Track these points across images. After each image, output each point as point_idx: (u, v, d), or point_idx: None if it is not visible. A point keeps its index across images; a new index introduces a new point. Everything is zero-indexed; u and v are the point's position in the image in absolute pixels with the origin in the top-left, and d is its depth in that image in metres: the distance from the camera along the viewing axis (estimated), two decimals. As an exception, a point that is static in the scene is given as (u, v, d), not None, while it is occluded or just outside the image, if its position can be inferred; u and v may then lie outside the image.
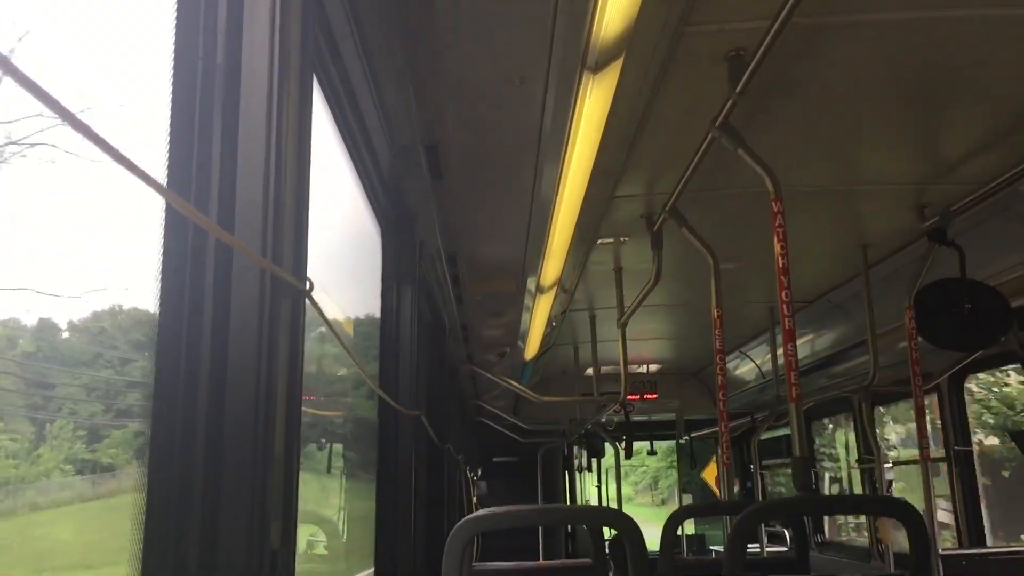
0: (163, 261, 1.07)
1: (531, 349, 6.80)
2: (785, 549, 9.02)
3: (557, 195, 3.77)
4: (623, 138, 3.57)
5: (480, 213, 3.94)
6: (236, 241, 1.06)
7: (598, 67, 2.72)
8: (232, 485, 1.14)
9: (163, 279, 1.07)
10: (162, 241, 1.06)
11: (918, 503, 2.88)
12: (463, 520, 2.53)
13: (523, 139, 3.25)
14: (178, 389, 1.10)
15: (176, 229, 1.07)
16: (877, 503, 3.87)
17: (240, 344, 1.15)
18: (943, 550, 4.15)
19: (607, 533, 5.19)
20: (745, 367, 8.86)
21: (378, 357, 3.07)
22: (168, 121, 1.09)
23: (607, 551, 4.63)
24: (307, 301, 1.36)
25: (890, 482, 5.97)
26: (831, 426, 9.97)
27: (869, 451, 6.30)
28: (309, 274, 1.38)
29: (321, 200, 1.65)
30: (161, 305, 1.07)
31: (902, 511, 2.66)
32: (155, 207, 1.05)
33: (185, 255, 1.08)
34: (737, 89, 3.03)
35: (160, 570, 1.03)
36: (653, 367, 10.15)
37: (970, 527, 5.70)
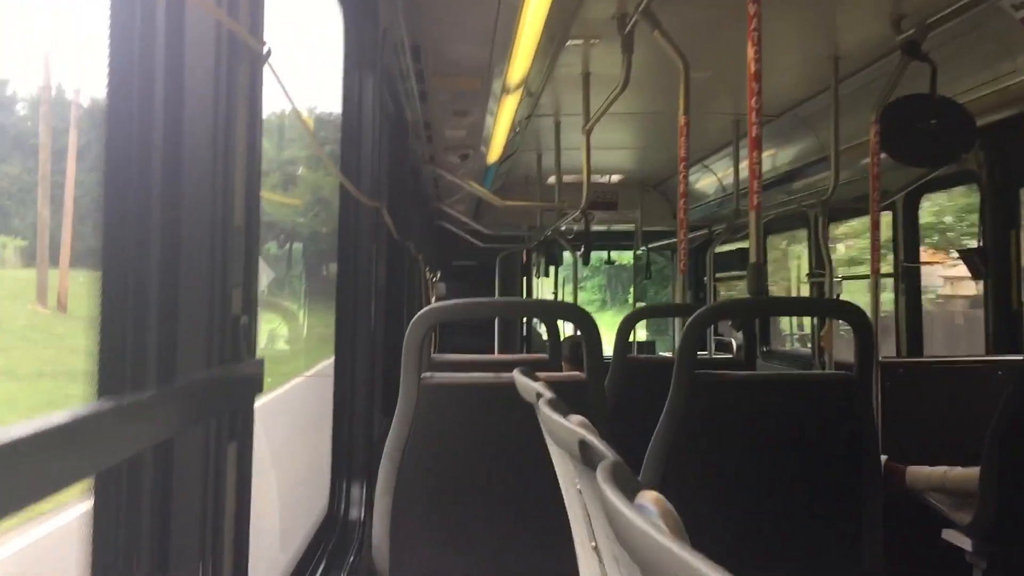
0: (112, 12, 1.00)
1: (494, 152, 6.73)
2: (731, 357, 9.40)
3: (527, -13, 3.61)
4: (599, -72, 3.40)
5: (446, 2, 3.78)
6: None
7: None
8: (190, 252, 1.12)
9: (112, 37, 1.01)
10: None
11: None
12: (423, 310, 2.57)
13: (494, -77, 3.08)
14: (132, 157, 1.06)
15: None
16: (827, 305, 4.00)
17: (196, 109, 1.11)
18: (882, 357, 4.34)
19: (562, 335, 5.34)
20: (705, 180, 8.90)
21: (339, 146, 3.02)
22: None
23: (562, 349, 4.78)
24: (265, 68, 1.31)
25: (838, 295, 6.16)
26: (785, 243, 10.16)
27: (821, 265, 6.45)
28: (267, 42, 1.32)
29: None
30: (110, 66, 1.01)
31: (850, 313, 2.75)
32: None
33: (134, 7, 1.01)
34: None
35: (119, 337, 1.03)
36: (615, 177, 10.15)
37: (911, 338, 5.96)
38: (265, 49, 1.28)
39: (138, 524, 1.02)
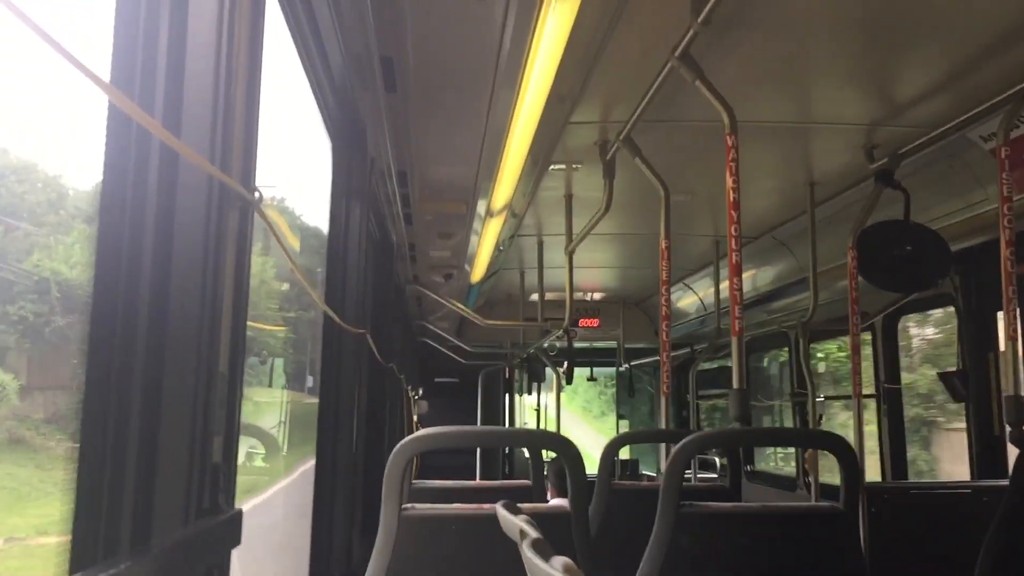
0: (105, 166, 1.01)
1: (478, 272, 6.79)
2: (716, 477, 9.29)
3: (512, 117, 3.71)
4: (582, 63, 3.52)
5: (433, 131, 3.87)
6: (182, 145, 1.01)
7: (561, -14, 2.66)
8: (173, 401, 1.11)
9: (104, 185, 1.02)
10: (104, 144, 1.00)
11: (846, 437, 2.97)
12: (405, 439, 2.53)
13: (480, 58, 3.18)
14: (118, 300, 1.05)
15: (119, 130, 1.01)
16: (812, 437, 3.98)
17: (184, 255, 1.11)
18: (867, 483, 4.30)
19: (546, 456, 5.28)
20: (687, 299, 8.98)
21: (324, 274, 3.03)
22: (113, 16, 1.02)
23: (545, 473, 4.71)
24: (255, 214, 1.32)
25: (820, 416, 6.15)
26: (766, 361, 10.20)
27: (803, 385, 6.46)
28: (258, 186, 1.34)
29: (272, 109, 1.59)
30: (101, 212, 1.02)
31: (836, 445, 2.73)
32: (98, 107, 0.99)
33: (128, 159, 1.02)
34: (699, 18, 2.99)
35: (96, 487, 1.00)
36: (597, 295, 10.23)
37: (895, 461, 5.92)
38: (256, 195, 1.30)
39: None
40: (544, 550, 1.55)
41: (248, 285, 1.30)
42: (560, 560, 1.45)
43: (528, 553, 1.54)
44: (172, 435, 1.10)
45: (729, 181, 3.32)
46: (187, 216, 1.10)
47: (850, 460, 2.69)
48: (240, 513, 1.26)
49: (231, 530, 1.23)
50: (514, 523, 1.84)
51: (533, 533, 1.68)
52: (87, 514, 0.98)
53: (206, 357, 1.16)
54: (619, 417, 12.80)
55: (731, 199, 3.31)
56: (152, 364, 1.06)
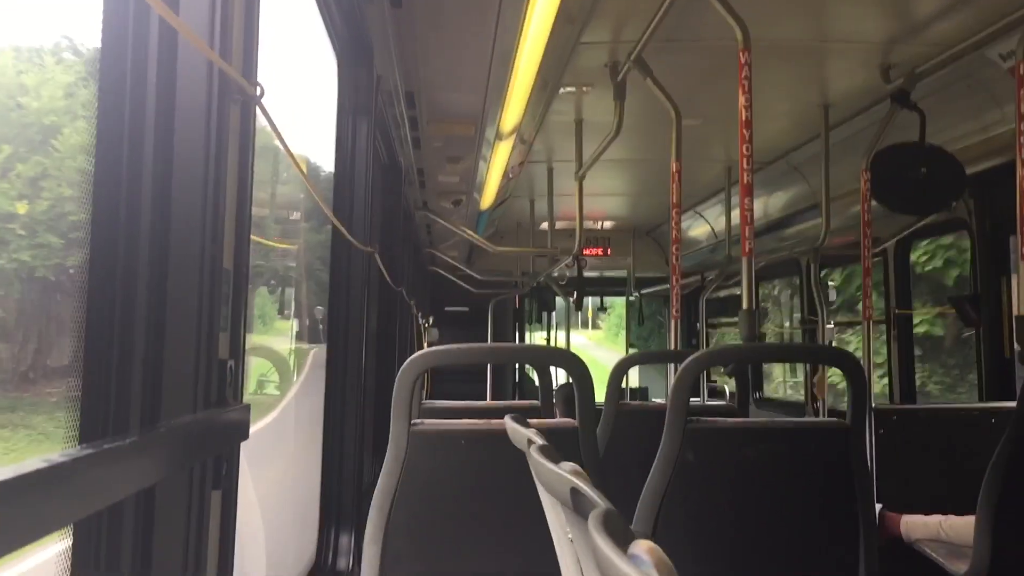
0: (102, 45, 0.99)
1: (487, 199, 6.75)
2: (724, 404, 9.36)
3: (520, 37, 3.65)
4: (591, -21, 3.45)
5: (440, 51, 3.81)
6: (181, 24, 0.99)
7: None
8: (178, 295, 1.11)
9: (102, 67, 1.00)
10: (101, 21, 0.98)
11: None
12: (414, 355, 2.55)
13: (489, -28, 3.12)
14: (120, 193, 1.05)
15: (116, 5, 0.99)
16: (819, 352, 3.99)
17: (186, 150, 1.10)
18: (875, 404, 4.32)
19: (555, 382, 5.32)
20: (697, 228, 8.93)
21: (332, 192, 3.02)
22: None
23: (554, 396, 4.75)
24: (258, 109, 1.30)
25: (831, 342, 6.16)
26: (776, 290, 10.18)
27: (813, 312, 6.46)
28: (260, 83, 1.31)
29: (274, 12, 1.56)
30: (100, 96, 1.00)
31: (843, 360, 2.74)
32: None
33: (126, 39, 1.00)
34: (713, -71, 2.92)
35: (103, 378, 1.01)
36: (608, 224, 10.19)
37: (903, 385, 5.94)
38: (258, 91, 1.28)
39: (117, 573, 0.99)
40: (552, 455, 1.56)
41: (251, 182, 1.29)
42: (568, 464, 1.47)
43: (536, 457, 1.56)
44: (178, 329, 1.10)
45: (742, 100, 3.28)
46: (188, 107, 1.09)
47: (858, 376, 2.69)
48: (248, 408, 1.27)
49: (239, 423, 1.25)
50: (522, 433, 1.86)
51: (540, 440, 1.69)
52: (95, 393, 0.99)
53: (210, 253, 1.16)
54: (628, 345, 12.85)
55: (744, 118, 3.27)
56: (156, 257, 1.06)
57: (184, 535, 1.11)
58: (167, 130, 1.06)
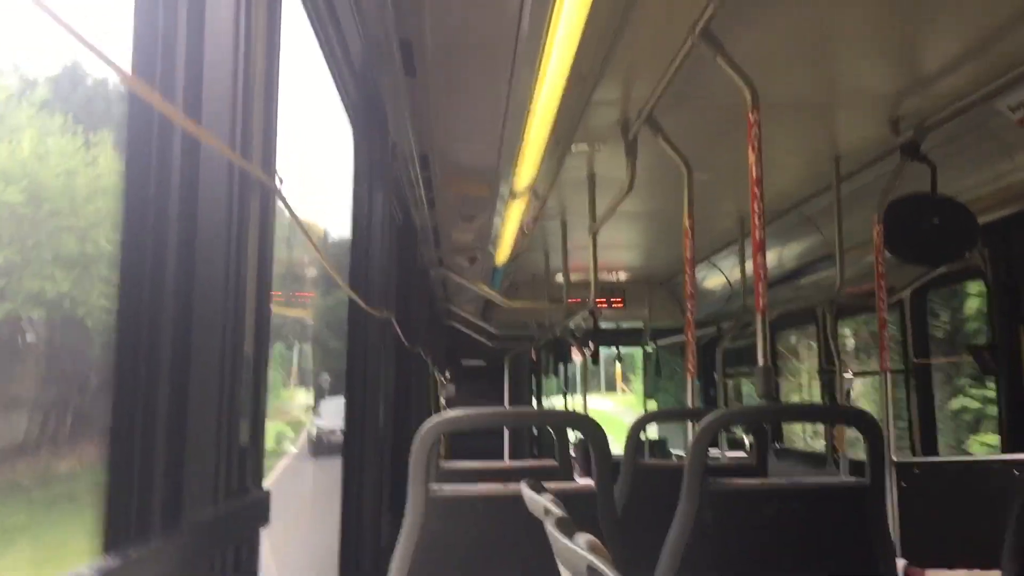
0: (127, 155, 1.03)
1: (502, 254, 6.79)
2: (744, 455, 9.27)
3: (533, 98, 3.71)
4: (602, 41, 3.50)
5: (454, 114, 3.87)
6: (203, 132, 1.02)
7: (579, -35, 2.65)
8: (200, 384, 1.13)
9: (127, 174, 1.03)
10: (127, 133, 1.02)
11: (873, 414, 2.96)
12: (431, 420, 2.56)
13: (500, 38, 3.18)
14: (144, 288, 1.07)
15: (141, 120, 1.03)
16: (837, 412, 3.96)
17: (208, 242, 1.13)
18: (896, 458, 4.28)
19: (572, 438, 5.30)
20: (713, 279, 8.93)
21: (348, 259, 3.05)
22: (132, 6, 1.03)
23: (572, 454, 4.73)
24: (277, 199, 1.33)
25: (848, 391, 6.11)
26: (794, 339, 10.13)
27: (830, 361, 6.42)
28: (279, 172, 1.35)
29: (291, 96, 1.60)
30: (126, 201, 1.03)
31: (861, 420, 2.73)
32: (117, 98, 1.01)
33: (150, 148, 1.04)
34: (719, -6, 2.97)
35: (127, 467, 1.03)
36: (622, 275, 10.20)
37: (924, 437, 5.88)
38: (277, 181, 1.32)
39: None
40: (568, 527, 1.56)
41: (271, 269, 1.32)
42: (584, 537, 1.47)
43: (553, 531, 1.56)
44: (199, 418, 1.12)
45: (752, 157, 3.31)
46: (209, 203, 1.12)
47: (875, 434, 2.68)
48: (268, 494, 1.28)
49: (259, 510, 1.26)
50: (539, 501, 1.86)
51: (557, 511, 1.69)
52: (119, 494, 1.00)
53: (231, 341, 1.18)
54: (646, 397, 12.78)
55: (754, 175, 3.29)
56: (179, 349, 1.08)
57: (207, 625, 1.11)
58: (190, 222, 1.09)
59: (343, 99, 2.76)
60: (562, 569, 1.72)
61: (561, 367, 11.16)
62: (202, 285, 1.12)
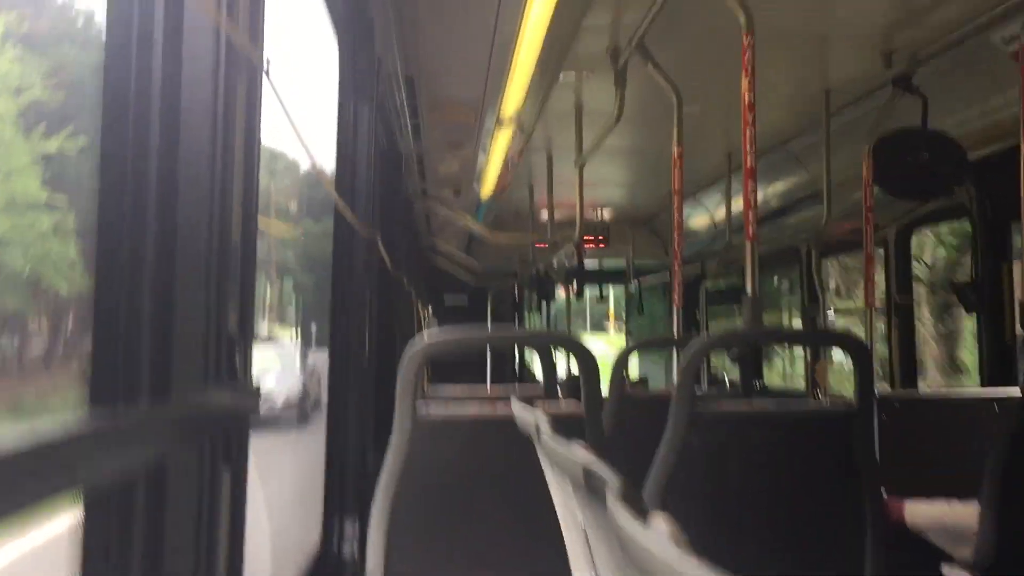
0: (108, 13, 0.97)
1: (487, 187, 6.73)
2: (727, 392, 9.34)
3: (521, 22, 3.63)
4: (593, -37, 3.42)
5: (440, 35, 3.78)
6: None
7: None
8: (186, 268, 1.09)
9: (108, 37, 0.98)
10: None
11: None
12: (419, 340, 2.53)
13: (489, -45, 3.10)
14: (127, 166, 1.02)
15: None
16: (825, 335, 3.97)
17: (193, 118, 1.08)
18: (878, 392, 4.31)
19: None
20: (696, 217, 8.91)
21: (334, 175, 2.99)
22: None
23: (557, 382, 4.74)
24: (263, 80, 1.28)
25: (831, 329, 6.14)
26: (775, 282, 10.16)
27: (813, 298, 6.45)
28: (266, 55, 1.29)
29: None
30: (107, 62, 0.98)
31: (848, 342, 2.73)
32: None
33: (131, 8, 0.98)
34: (716, -90, 2.89)
35: (113, 349, 0.99)
36: (606, 213, 10.17)
37: (904, 373, 5.93)
38: (264, 60, 1.26)
39: (129, 549, 0.97)
40: (559, 438, 1.54)
41: (258, 153, 1.27)
42: (579, 445, 1.45)
43: (547, 439, 1.54)
44: (186, 303, 1.08)
45: (745, 83, 3.26)
46: (194, 74, 1.07)
47: (863, 357, 2.68)
48: (256, 383, 1.25)
49: (247, 398, 1.23)
50: (530, 417, 1.84)
51: (547, 422, 1.68)
52: (104, 364, 0.97)
53: (218, 227, 1.14)
54: (628, 335, 12.84)
55: (747, 101, 3.25)
56: (164, 229, 1.04)
57: (196, 512, 1.09)
58: (174, 98, 1.04)
59: (329, 5, 2.67)
60: (553, 482, 1.70)
61: (544, 305, 11.17)
62: (186, 166, 1.07)
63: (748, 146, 3.26)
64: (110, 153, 1.02)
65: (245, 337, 1.23)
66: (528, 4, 3.46)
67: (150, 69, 1.00)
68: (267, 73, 1.27)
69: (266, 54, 1.28)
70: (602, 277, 11.87)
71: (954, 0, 3.83)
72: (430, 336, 2.55)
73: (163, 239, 1.06)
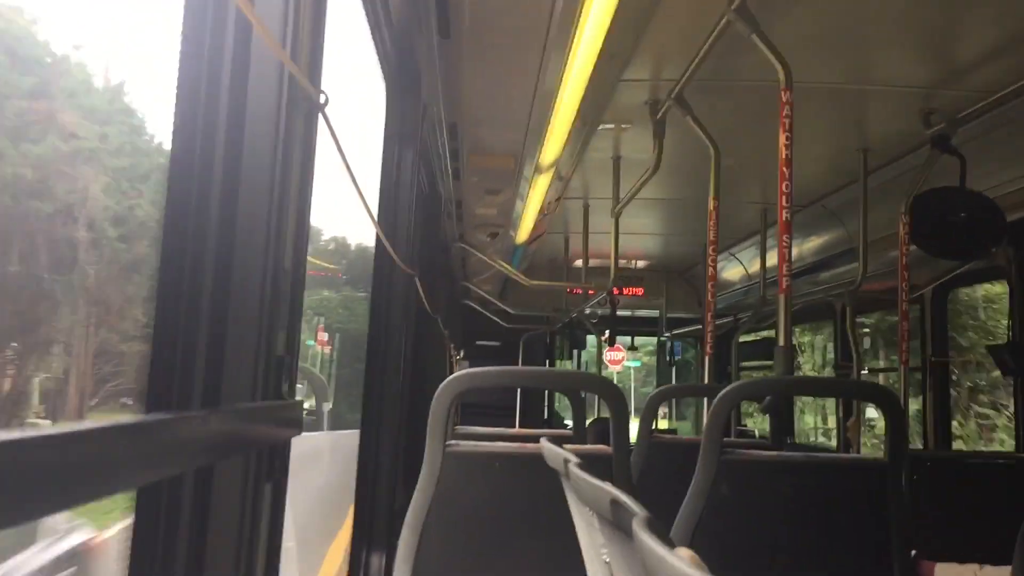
0: (183, 39, 1.04)
1: (523, 233, 6.80)
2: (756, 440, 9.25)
3: (563, 74, 3.71)
4: (634, 19, 3.49)
5: (484, 84, 3.88)
6: (257, 19, 1.03)
7: (618, -66, 2.65)
8: (242, 293, 1.15)
9: (181, 59, 1.04)
10: (182, 22, 1.03)
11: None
12: (451, 377, 2.58)
13: (535, 9, 3.19)
14: (192, 190, 1.09)
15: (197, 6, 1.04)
16: (858, 387, 3.95)
17: (255, 148, 1.14)
18: (911, 449, 4.27)
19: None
20: (731, 270, 8.92)
21: (377, 214, 3.07)
22: None
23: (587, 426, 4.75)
24: (321, 118, 1.35)
25: (864, 388, 6.09)
26: (808, 338, 10.10)
27: (848, 356, 6.41)
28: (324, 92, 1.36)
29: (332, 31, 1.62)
30: (178, 93, 1.05)
31: (882, 396, 2.73)
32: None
33: (204, 33, 1.05)
34: (757, -31, 2.96)
35: (170, 360, 1.05)
36: (641, 263, 10.20)
37: (940, 435, 5.86)
38: (322, 98, 1.33)
39: (173, 552, 1.02)
40: (586, 473, 1.57)
41: (311, 187, 1.34)
42: (606, 483, 1.48)
43: (575, 472, 1.57)
44: (240, 322, 1.13)
45: (782, 138, 3.30)
46: (257, 105, 1.13)
47: (895, 411, 2.68)
48: (300, 404, 1.30)
49: (292, 417, 1.28)
50: (559, 453, 1.87)
51: (576, 459, 1.71)
52: (161, 371, 1.02)
53: (273, 253, 1.20)
54: (659, 386, 12.78)
55: (784, 156, 3.29)
56: (222, 252, 1.10)
57: (238, 521, 1.13)
58: (238, 133, 1.11)
59: (379, 53, 2.77)
60: (579, 517, 1.73)
61: (575, 353, 11.16)
62: (247, 192, 1.14)
63: (784, 201, 3.30)
64: (176, 176, 1.09)
65: (292, 359, 1.29)
66: (570, 58, 3.54)
67: (218, 99, 1.07)
68: (324, 110, 1.34)
69: (323, 92, 1.35)
70: (635, 326, 11.86)
71: (993, 61, 3.86)
72: (461, 373, 2.60)
73: (222, 263, 1.12)
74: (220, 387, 1.07)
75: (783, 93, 3.27)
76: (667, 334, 10.99)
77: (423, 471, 2.60)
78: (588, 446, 3.40)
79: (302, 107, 1.28)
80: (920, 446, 5.98)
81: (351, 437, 3.32)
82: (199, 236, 1.08)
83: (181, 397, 1.02)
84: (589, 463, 1.77)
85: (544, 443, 2.09)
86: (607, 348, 11.11)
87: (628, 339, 12.61)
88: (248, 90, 1.09)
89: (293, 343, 1.29)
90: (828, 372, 8.52)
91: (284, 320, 1.26)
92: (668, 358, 11.62)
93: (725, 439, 3.00)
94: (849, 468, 2.81)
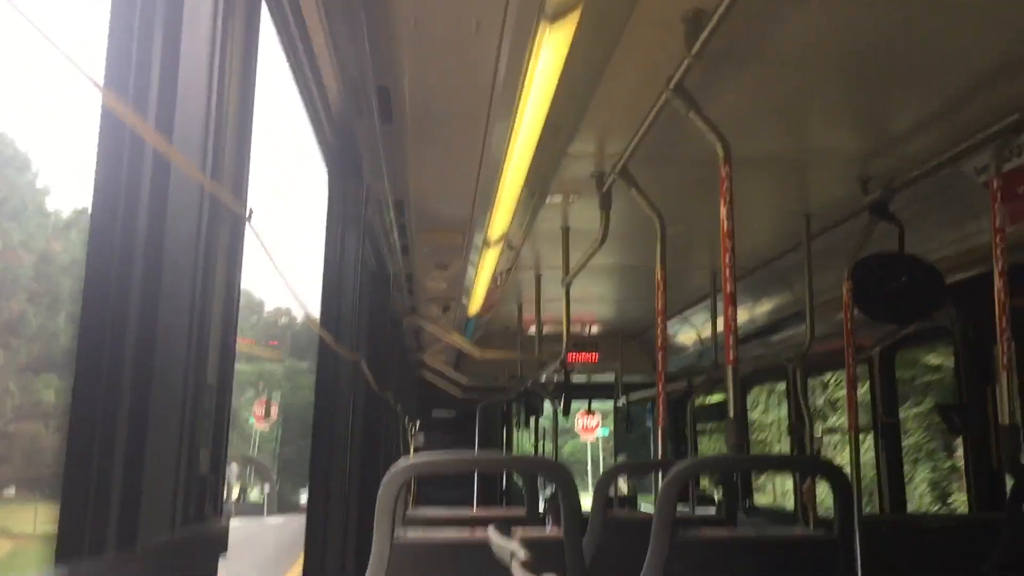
0: (97, 171, 1.02)
1: (475, 305, 6.80)
2: (713, 513, 9.22)
3: (508, 148, 3.74)
4: (577, 94, 3.55)
5: (430, 161, 3.90)
6: (174, 152, 1.02)
7: (555, 17, 2.70)
8: (161, 411, 1.11)
9: (96, 190, 1.03)
10: (97, 148, 1.02)
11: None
12: (397, 465, 2.52)
13: (477, 88, 3.22)
14: (107, 309, 1.06)
15: (112, 134, 1.02)
16: (805, 463, 3.96)
17: (175, 266, 1.12)
18: (864, 514, 4.27)
19: (547, 492, 5.24)
20: (685, 333, 8.97)
21: (320, 301, 3.04)
22: (108, 20, 1.03)
23: (541, 505, 4.69)
24: (247, 228, 1.33)
25: (818, 449, 6.12)
26: (763, 397, 10.15)
27: (800, 417, 6.44)
28: (250, 204, 1.35)
29: (266, 133, 1.61)
30: (93, 216, 1.03)
31: (827, 471, 2.73)
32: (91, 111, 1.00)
33: (121, 164, 1.03)
34: (692, 51, 3.02)
35: (82, 495, 1.01)
36: (595, 328, 10.22)
37: (893, 495, 5.88)
38: (247, 211, 1.32)
39: None
40: (535, 569, 1.54)
41: (238, 299, 1.31)
42: None
43: (518, 571, 1.54)
44: (159, 445, 1.10)
45: (724, 211, 3.35)
46: (178, 226, 1.12)
47: (843, 487, 2.68)
48: (227, 523, 1.26)
49: (217, 539, 1.23)
50: (505, 545, 1.84)
51: (524, 554, 1.67)
52: (73, 512, 0.98)
53: (194, 369, 1.17)
54: (616, 452, 12.72)
55: (725, 228, 3.33)
56: (140, 372, 1.07)
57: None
58: (157, 247, 1.09)
59: (319, 140, 2.77)
60: None
61: (532, 420, 11.09)
62: (166, 310, 1.11)
63: (728, 273, 3.33)
64: (91, 296, 1.06)
65: (216, 477, 1.25)
66: (515, 131, 3.58)
67: (135, 220, 1.05)
68: (249, 222, 1.32)
69: (250, 203, 1.33)
70: (591, 392, 11.84)
71: (926, 132, 3.98)
72: (406, 464, 2.55)
73: (138, 378, 1.09)
74: (137, 519, 1.03)
75: (722, 167, 3.33)
76: (623, 398, 10.98)
77: (371, 562, 2.53)
78: (540, 531, 3.35)
79: (227, 222, 1.26)
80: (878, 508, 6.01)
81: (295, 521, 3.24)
82: (115, 355, 1.05)
83: (94, 539, 0.98)
84: (541, 549, 1.73)
85: (492, 534, 2.05)
86: (581, 414, 11.04)
87: (585, 404, 12.60)
88: (167, 211, 1.08)
89: (219, 460, 1.25)
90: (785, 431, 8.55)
91: (208, 437, 1.22)
92: (625, 425, 11.59)
93: (682, 511, 2.97)
94: (800, 544, 2.79)
